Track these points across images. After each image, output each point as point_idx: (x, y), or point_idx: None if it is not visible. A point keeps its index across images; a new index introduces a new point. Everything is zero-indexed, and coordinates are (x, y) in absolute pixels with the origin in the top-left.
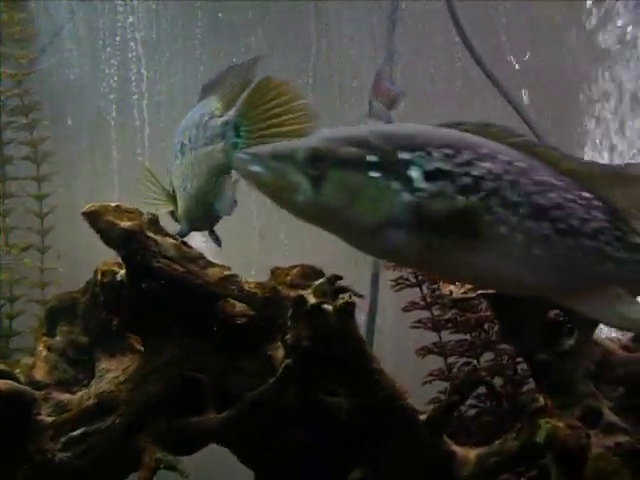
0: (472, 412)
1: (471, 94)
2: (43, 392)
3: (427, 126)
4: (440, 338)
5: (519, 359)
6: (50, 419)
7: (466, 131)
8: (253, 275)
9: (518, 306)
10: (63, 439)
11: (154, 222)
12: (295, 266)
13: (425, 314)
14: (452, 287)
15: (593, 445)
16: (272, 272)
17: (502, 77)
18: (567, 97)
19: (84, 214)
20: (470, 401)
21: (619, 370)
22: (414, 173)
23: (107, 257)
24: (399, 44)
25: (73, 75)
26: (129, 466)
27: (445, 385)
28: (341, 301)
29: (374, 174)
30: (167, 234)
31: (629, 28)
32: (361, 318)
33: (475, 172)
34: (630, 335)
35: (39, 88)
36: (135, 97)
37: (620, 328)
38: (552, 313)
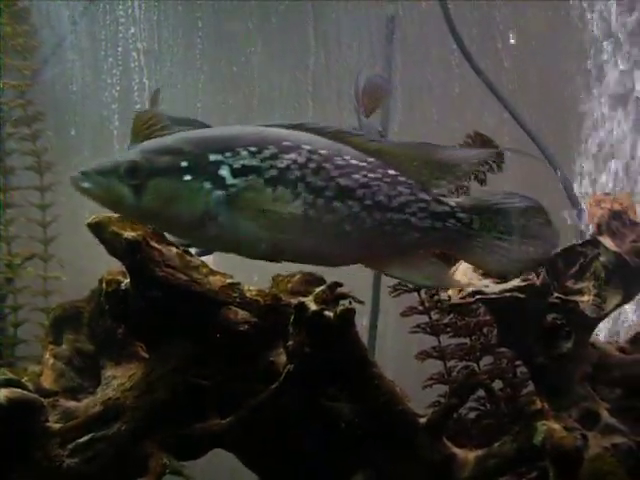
0: (473, 415)
1: (468, 100)
2: (51, 399)
3: (236, 127)
4: (439, 342)
5: (518, 362)
6: (58, 426)
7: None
8: (255, 282)
9: (516, 310)
10: (70, 446)
11: (157, 232)
12: (296, 273)
13: (424, 318)
14: (450, 292)
15: (590, 446)
16: (273, 279)
17: (500, 83)
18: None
19: (88, 225)
20: (470, 404)
21: (615, 372)
22: (224, 172)
23: (109, 265)
24: (397, 51)
25: (76, 86)
26: (135, 471)
27: (445, 389)
28: (341, 308)
29: (187, 177)
30: (170, 243)
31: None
32: (363, 323)
33: (280, 164)
34: (627, 337)
35: (42, 99)
36: (137, 107)
37: (426, 288)
38: (550, 317)
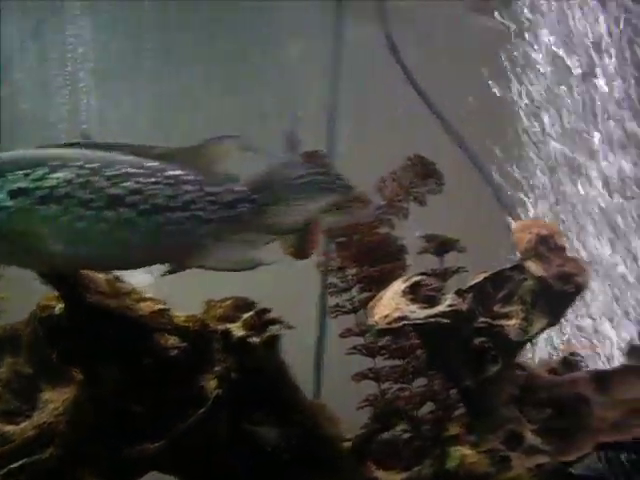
0: (405, 436)
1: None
2: None
3: (11, 152)
4: (375, 364)
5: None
6: None
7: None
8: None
9: (442, 335)
10: (4, 471)
11: None
12: (228, 298)
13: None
14: (376, 317)
15: (514, 467)
16: (206, 304)
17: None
18: None
19: None
20: (402, 426)
21: (542, 393)
22: (1, 195)
23: None
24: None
25: (24, 105)
26: None
27: None
28: (267, 334)
29: None
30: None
31: None
32: (309, 342)
33: (48, 183)
34: (559, 357)
35: None
36: (84, 127)
37: (227, 270)
38: (477, 341)
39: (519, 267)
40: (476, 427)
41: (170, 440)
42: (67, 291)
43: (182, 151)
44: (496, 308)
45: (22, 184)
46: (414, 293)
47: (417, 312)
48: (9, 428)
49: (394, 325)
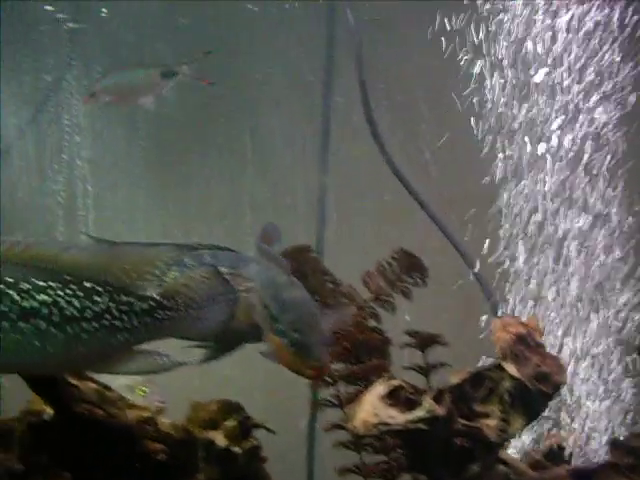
0: None
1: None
2: None
3: None
4: (361, 460)
5: None
6: None
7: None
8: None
9: (422, 438)
10: None
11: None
12: (214, 401)
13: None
14: (356, 423)
15: None
16: (192, 407)
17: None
18: None
19: None
20: None
21: None
22: None
23: None
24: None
25: (22, 192)
26: None
27: None
28: (249, 444)
29: None
30: (90, 379)
31: None
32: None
33: None
34: (541, 450)
35: None
36: (81, 213)
37: (137, 374)
38: (456, 441)
39: (498, 366)
40: None
41: None
42: (53, 401)
43: (97, 258)
44: (475, 407)
45: None
46: (393, 398)
47: (396, 417)
48: None
49: (373, 431)
